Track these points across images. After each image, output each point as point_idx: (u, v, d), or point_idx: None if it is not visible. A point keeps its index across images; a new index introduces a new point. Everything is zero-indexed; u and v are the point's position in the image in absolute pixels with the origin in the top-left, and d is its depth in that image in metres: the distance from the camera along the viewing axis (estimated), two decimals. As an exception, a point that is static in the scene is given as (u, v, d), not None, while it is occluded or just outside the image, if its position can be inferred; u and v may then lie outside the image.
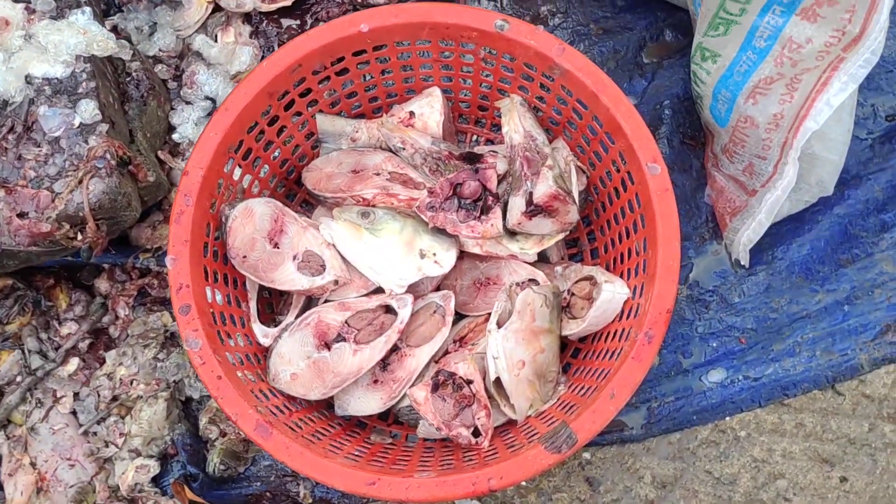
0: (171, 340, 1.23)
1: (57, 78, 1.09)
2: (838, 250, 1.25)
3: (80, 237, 1.06)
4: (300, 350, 1.09)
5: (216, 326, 1.04)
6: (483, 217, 1.09)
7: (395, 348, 1.10)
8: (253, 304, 1.14)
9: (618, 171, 1.09)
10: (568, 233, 1.14)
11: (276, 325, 1.13)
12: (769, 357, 1.21)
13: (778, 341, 1.22)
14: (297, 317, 1.12)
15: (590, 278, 1.10)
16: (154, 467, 1.17)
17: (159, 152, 1.24)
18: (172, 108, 1.30)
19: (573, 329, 1.09)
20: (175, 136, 1.28)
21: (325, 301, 1.12)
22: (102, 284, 1.25)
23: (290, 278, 1.09)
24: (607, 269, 1.15)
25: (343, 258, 1.11)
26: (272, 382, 1.08)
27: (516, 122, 1.13)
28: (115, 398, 1.19)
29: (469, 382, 1.05)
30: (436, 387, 1.05)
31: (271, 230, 1.10)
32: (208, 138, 1.05)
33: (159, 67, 1.31)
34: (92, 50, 1.12)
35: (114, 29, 1.29)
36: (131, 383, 1.19)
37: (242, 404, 0.97)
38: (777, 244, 1.26)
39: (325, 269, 1.09)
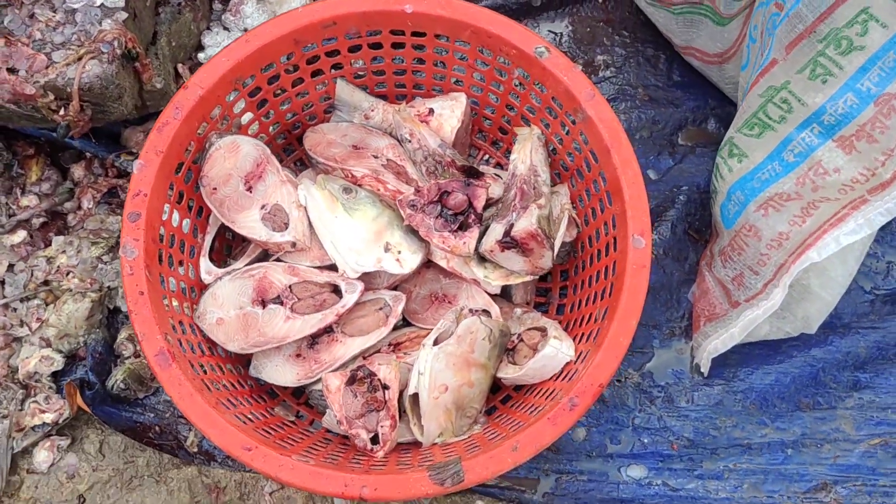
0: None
1: (96, -48, 1.07)
2: (802, 392, 1.19)
3: (61, 112, 1.04)
4: (235, 298, 1.06)
5: (161, 245, 1.01)
6: (459, 232, 1.05)
7: (328, 330, 1.07)
8: (208, 239, 1.11)
9: (606, 234, 1.05)
10: (536, 278, 1.10)
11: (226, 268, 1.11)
12: (695, 472, 1.16)
13: (710, 460, 1.16)
14: (245, 266, 1.09)
15: (542, 330, 1.06)
16: (58, 362, 1.14)
17: (179, 65, 1.22)
18: (209, 28, 1.28)
19: (509, 374, 1.05)
20: (201, 56, 1.26)
21: (278, 260, 1.09)
22: (78, 171, 1.23)
23: (250, 225, 1.06)
24: (566, 329, 1.10)
25: (310, 224, 1.08)
26: (197, 320, 1.05)
27: (526, 153, 1.10)
28: (46, 282, 1.17)
29: (385, 388, 1.01)
30: (352, 380, 1.02)
31: (250, 172, 1.07)
32: (218, 62, 1.03)
33: (211, -15, 1.29)
34: (140, -64, 1.10)
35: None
36: (67, 274, 1.16)
37: (153, 327, 0.94)
38: (743, 364, 1.20)
39: (287, 228, 1.06)
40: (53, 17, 1.04)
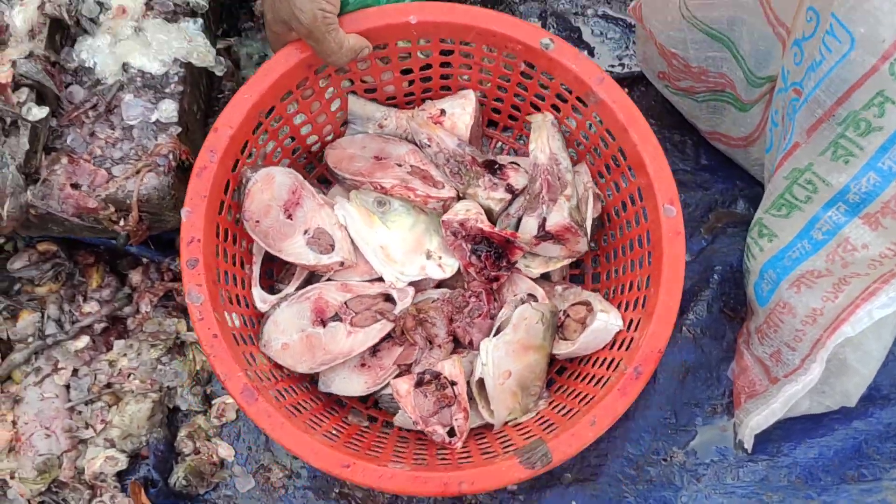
0: (178, 348, 1.26)
1: (150, 73, 1.15)
2: (846, 465, 1.22)
3: (121, 223, 1.11)
4: (296, 322, 1.10)
5: (220, 285, 1.05)
6: (488, 269, 1.12)
7: (387, 336, 1.12)
8: (256, 269, 1.15)
9: (633, 204, 1.10)
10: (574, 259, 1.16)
11: (273, 292, 1.15)
12: (746, 549, 1.19)
13: (759, 535, 1.19)
14: (297, 289, 1.14)
15: (587, 304, 1.11)
16: (122, 462, 1.19)
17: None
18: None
19: (563, 350, 1.11)
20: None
21: (328, 280, 1.14)
22: (135, 277, 1.29)
23: (297, 251, 1.10)
24: (606, 296, 1.16)
25: (352, 241, 1.12)
26: (263, 348, 1.09)
27: (544, 142, 1.14)
28: (108, 385, 1.22)
29: (453, 384, 1.06)
30: (420, 383, 1.07)
31: (288, 201, 1.11)
32: (242, 99, 1.05)
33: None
34: (191, 58, 1.17)
35: (227, 49, 1.35)
36: (128, 376, 1.21)
37: (233, 366, 0.98)
38: (786, 439, 1.23)
39: (333, 249, 1.10)
40: (112, 134, 1.11)
